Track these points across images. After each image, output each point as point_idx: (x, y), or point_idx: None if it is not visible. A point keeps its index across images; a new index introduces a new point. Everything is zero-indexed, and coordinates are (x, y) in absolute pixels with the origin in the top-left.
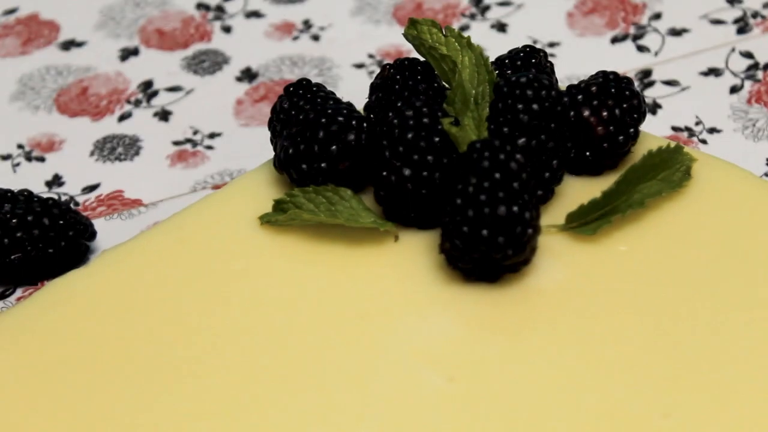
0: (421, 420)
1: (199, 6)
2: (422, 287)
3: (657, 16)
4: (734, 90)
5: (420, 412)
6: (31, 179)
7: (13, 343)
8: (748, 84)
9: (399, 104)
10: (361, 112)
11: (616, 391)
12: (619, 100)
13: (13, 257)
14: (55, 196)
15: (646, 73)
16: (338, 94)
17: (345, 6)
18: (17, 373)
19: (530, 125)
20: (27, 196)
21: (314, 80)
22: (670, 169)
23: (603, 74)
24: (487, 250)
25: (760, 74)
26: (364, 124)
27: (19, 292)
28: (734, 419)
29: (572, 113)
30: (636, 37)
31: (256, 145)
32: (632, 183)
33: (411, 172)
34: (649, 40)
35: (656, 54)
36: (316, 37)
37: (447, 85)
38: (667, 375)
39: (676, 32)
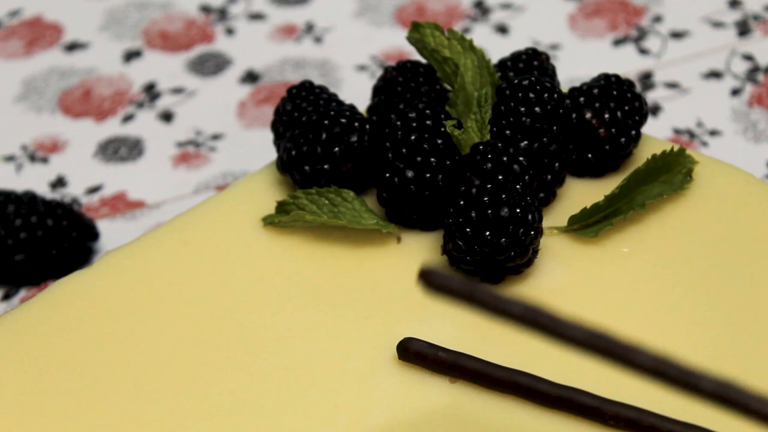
0: (422, 420)
1: (203, 8)
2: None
3: (658, 19)
4: (735, 92)
5: (421, 413)
6: (35, 180)
7: (16, 344)
8: (749, 86)
9: (402, 106)
10: (364, 114)
11: (617, 393)
12: (620, 102)
13: (16, 258)
14: (59, 197)
15: (647, 76)
16: (341, 96)
17: (347, 8)
18: (21, 373)
19: (533, 128)
20: (31, 197)
21: (317, 82)
22: (672, 172)
23: (605, 76)
24: (490, 252)
25: (761, 77)
26: (367, 126)
27: (22, 293)
28: (735, 420)
29: (574, 115)
30: (637, 40)
31: (259, 147)
32: (634, 185)
33: (414, 174)
34: (651, 42)
35: (658, 56)
36: (318, 39)
37: (449, 88)
38: None
39: (677, 34)
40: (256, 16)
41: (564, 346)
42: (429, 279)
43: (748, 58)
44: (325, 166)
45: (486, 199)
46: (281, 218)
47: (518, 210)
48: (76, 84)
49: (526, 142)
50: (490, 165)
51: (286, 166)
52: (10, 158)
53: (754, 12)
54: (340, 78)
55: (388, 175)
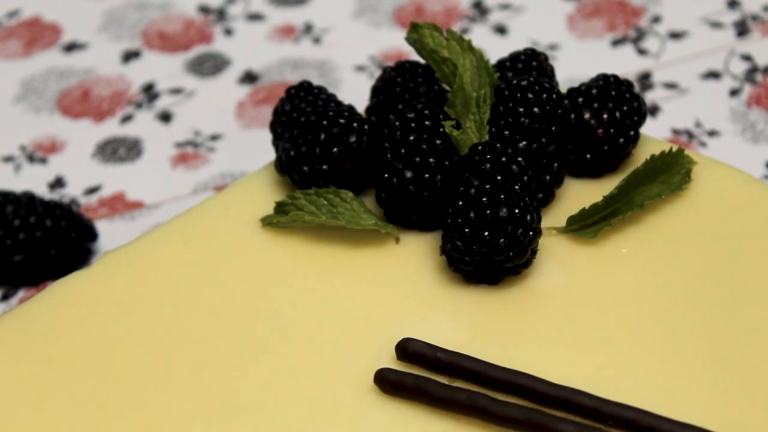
0: (422, 421)
1: (201, 9)
2: (423, 289)
3: (657, 19)
4: (734, 93)
5: (421, 413)
6: (34, 181)
7: (15, 345)
8: (747, 87)
9: (400, 107)
10: (363, 114)
11: (616, 393)
12: (619, 102)
13: (15, 259)
14: (57, 198)
15: (646, 76)
16: (339, 97)
17: (346, 8)
18: (19, 374)
19: (531, 128)
20: (29, 197)
21: (315, 82)
22: (670, 172)
23: (603, 77)
24: (488, 252)
25: (759, 77)
26: (366, 127)
27: (21, 294)
28: (737, 419)
29: (573, 116)
30: (636, 40)
31: (258, 147)
32: (633, 186)
33: (412, 174)
34: (649, 42)
35: (656, 57)
36: (317, 40)
37: (448, 88)
38: (668, 377)
39: (675, 35)
40: (255, 17)
41: (504, 424)
42: (384, 378)
43: (747, 58)
44: (324, 167)
45: (485, 199)
46: (280, 219)
47: (517, 210)
48: (74, 84)
49: (524, 143)
50: (488, 165)
51: (285, 166)
52: (8, 159)
53: (752, 12)
54: (339, 78)
55: (386, 175)
